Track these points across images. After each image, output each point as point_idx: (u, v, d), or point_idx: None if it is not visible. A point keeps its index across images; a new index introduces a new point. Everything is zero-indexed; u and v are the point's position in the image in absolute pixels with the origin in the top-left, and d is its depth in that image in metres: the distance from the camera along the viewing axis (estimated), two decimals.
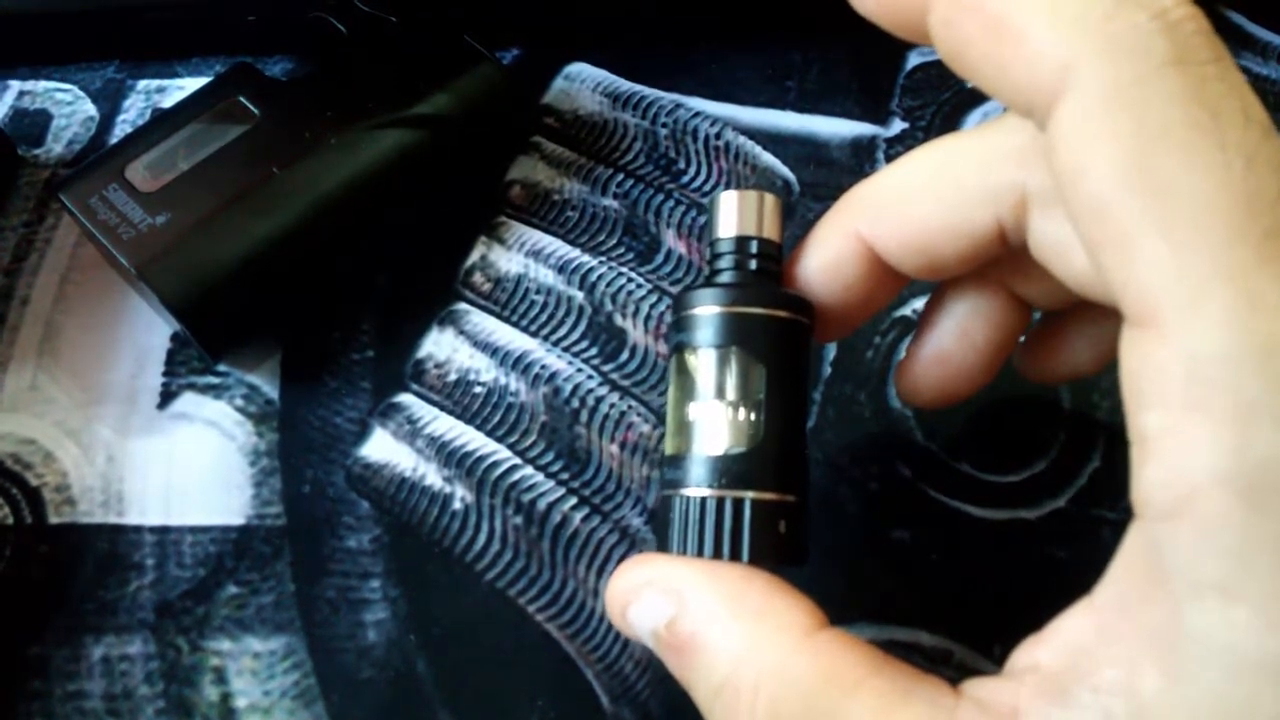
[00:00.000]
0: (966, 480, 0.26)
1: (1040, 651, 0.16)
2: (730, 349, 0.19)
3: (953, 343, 0.22)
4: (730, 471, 0.19)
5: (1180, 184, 0.13)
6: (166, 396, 0.28)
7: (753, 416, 0.19)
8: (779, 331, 0.19)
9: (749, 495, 0.18)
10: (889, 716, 0.16)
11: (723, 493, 0.18)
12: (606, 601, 0.19)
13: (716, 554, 0.18)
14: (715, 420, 0.19)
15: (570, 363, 0.28)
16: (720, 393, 0.19)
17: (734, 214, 0.21)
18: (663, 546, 0.19)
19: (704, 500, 0.18)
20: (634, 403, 0.27)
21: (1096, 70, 0.14)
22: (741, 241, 0.20)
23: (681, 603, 0.18)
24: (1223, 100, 0.14)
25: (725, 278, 0.20)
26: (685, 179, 0.31)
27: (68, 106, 0.32)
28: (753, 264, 0.20)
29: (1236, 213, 0.13)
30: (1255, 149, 0.13)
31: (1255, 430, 0.13)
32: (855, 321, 0.22)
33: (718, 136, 0.31)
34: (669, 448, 0.20)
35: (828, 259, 0.21)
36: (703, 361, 0.20)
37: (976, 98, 0.32)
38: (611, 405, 0.27)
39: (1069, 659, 0.15)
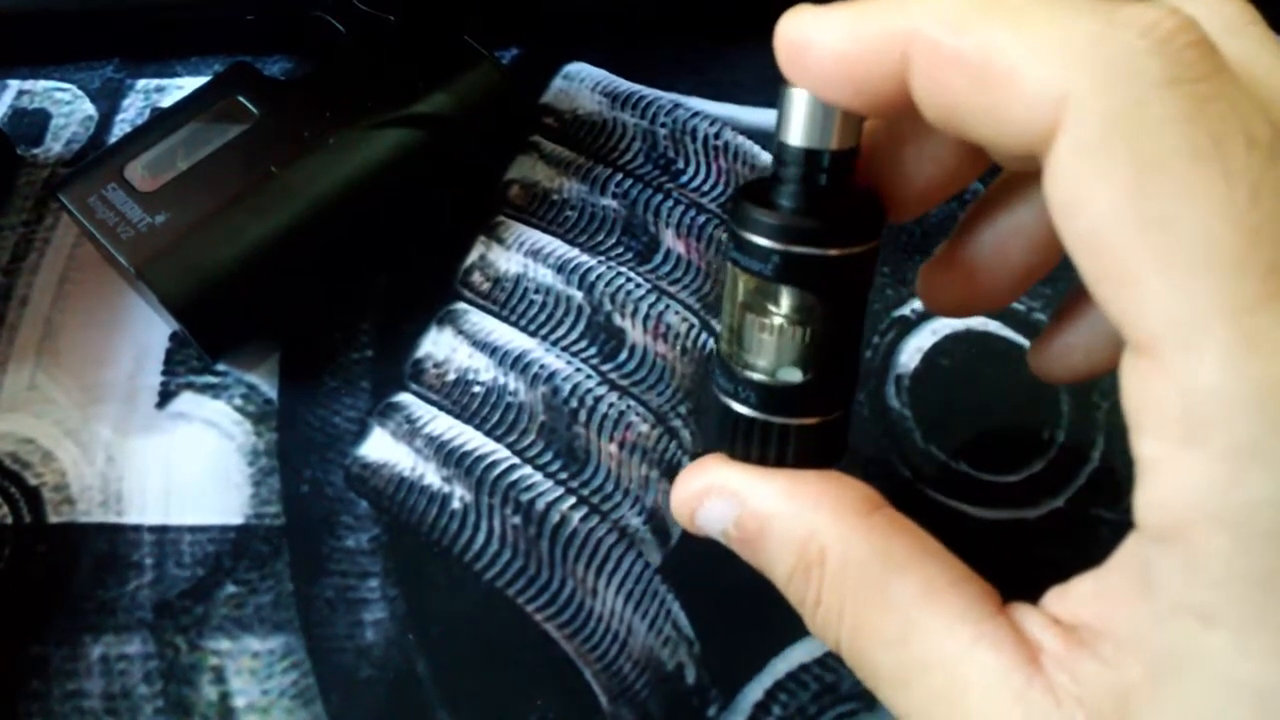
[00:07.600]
0: (966, 480, 0.26)
1: (1061, 606, 0.17)
2: (780, 283, 0.18)
3: (988, 254, 0.21)
4: (778, 402, 0.19)
5: (1181, 217, 0.13)
6: (165, 396, 0.28)
7: (805, 339, 0.19)
8: (834, 268, 0.18)
9: (794, 423, 0.19)
10: (931, 598, 0.17)
11: (770, 418, 0.19)
12: (673, 508, 0.20)
13: (763, 463, 0.19)
14: (766, 337, 0.19)
15: (569, 362, 0.28)
16: (772, 311, 0.19)
17: (802, 119, 0.18)
18: (711, 440, 0.20)
19: (753, 420, 0.19)
20: (633, 402, 0.27)
21: (1090, 99, 0.13)
22: (809, 155, 0.18)
23: (743, 503, 0.19)
24: (1223, 122, 0.13)
25: (784, 198, 0.18)
26: (684, 179, 0.31)
27: (67, 106, 0.32)
28: (821, 179, 0.18)
29: (1239, 246, 0.13)
30: (1260, 176, 0.13)
31: (1247, 472, 0.13)
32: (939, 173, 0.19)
33: (717, 136, 0.31)
34: (723, 344, 0.20)
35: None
36: (755, 284, 0.19)
37: None
38: (610, 405, 0.27)
39: (1080, 620, 0.16)
